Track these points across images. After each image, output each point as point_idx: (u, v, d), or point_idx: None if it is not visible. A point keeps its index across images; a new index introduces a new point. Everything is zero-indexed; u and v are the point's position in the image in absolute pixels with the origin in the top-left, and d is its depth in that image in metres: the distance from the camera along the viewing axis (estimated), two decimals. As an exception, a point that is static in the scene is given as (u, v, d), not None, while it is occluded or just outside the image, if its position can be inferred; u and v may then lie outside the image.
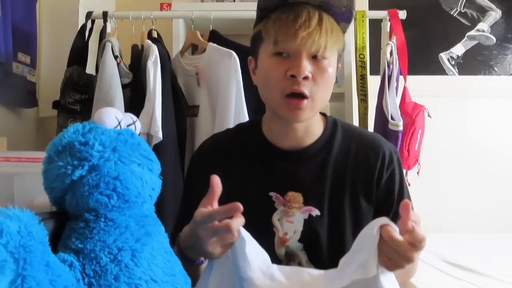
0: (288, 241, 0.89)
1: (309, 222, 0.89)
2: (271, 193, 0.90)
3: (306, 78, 0.80)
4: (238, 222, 0.67)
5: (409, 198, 0.93)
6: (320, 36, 0.79)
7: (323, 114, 0.96)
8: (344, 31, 0.88)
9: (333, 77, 0.86)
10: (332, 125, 0.95)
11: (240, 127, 1.04)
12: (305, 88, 0.81)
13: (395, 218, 0.87)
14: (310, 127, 0.91)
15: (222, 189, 0.75)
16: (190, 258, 0.78)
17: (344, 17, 0.86)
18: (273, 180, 0.91)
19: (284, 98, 0.82)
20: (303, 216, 0.89)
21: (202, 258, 0.79)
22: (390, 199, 0.92)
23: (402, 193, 0.94)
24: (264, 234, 0.86)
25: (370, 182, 0.91)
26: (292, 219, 0.89)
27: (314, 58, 0.82)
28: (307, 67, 0.80)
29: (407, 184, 1.52)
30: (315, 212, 0.89)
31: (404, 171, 1.68)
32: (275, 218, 0.90)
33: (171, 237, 0.87)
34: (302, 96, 0.81)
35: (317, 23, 0.80)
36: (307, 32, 0.79)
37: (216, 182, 0.70)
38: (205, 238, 0.69)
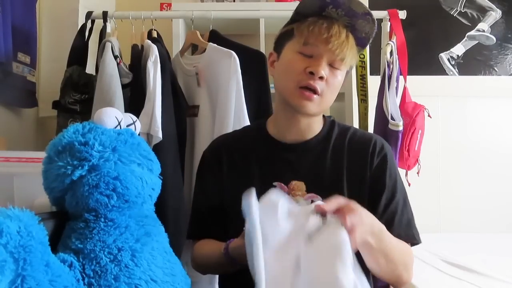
0: None
1: None
2: (275, 183, 0.96)
3: (321, 78, 0.91)
4: None
5: (402, 190, 0.99)
6: (347, 49, 0.92)
7: (322, 116, 1.05)
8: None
9: (340, 85, 0.97)
10: (330, 122, 1.05)
11: (246, 127, 1.20)
12: (318, 86, 0.92)
13: (387, 204, 0.94)
14: (312, 124, 1.01)
15: (230, 182, 1.00)
16: (237, 260, 0.84)
17: (362, 42, 0.98)
18: (277, 171, 0.98)
19: (297, 88, 0.93)
20: (306, 203, 0.93)
21: None
22: (380, 184, 0.97)
23: (395, 184, 0.98)
24: None
25: (364, 168, 0.98)
26: None
27: (330, 66, 0.93)
28: (325, 69, 0.92)
29: (408, 183, 1.52)
30: (317, 199, 0.94)
31: (404, 171, 1.68)
32: None
33: (188, 229, 1.07)
34: (314, 91, 0.92)
35: (345, 37, 0.92)
36: (338, 42, 0.91)
37: None
38: None
